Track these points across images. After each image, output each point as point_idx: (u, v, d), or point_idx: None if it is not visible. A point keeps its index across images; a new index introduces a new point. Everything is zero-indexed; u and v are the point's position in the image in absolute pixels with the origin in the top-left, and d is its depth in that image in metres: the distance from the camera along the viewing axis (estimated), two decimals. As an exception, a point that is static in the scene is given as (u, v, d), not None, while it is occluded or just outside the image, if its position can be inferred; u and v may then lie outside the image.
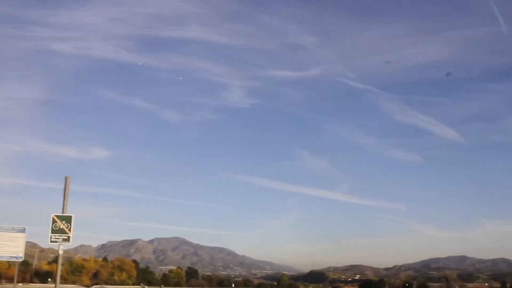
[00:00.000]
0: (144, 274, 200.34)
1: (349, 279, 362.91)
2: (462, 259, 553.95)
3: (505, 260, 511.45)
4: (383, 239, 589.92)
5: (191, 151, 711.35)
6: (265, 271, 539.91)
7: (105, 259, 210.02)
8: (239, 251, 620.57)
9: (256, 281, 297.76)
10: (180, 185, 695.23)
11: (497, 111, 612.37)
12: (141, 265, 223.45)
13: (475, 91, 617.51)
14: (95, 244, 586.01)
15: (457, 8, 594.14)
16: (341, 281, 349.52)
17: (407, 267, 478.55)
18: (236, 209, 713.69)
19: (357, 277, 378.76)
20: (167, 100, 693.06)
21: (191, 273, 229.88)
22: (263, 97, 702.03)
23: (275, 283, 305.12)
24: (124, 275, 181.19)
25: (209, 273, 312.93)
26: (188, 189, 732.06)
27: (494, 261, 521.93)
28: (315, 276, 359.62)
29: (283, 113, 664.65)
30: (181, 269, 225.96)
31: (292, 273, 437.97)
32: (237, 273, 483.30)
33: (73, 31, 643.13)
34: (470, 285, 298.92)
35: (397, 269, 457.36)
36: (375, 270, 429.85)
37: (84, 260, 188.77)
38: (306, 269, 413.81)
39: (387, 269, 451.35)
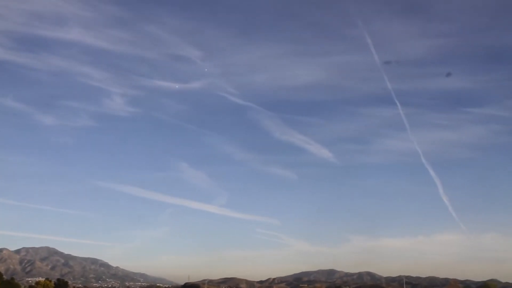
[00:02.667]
0: (8, 286, 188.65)
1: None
2: (331, 272, 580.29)
3: (369, 273, 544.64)
4: (258, 252, 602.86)
5: (65, 157, 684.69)
6: (139, 283, 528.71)
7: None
8: (112, 263, 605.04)
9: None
10: (51, 192, 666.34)
11: (367, 134, 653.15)
12: (5, 277, 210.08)
13: (348, 114, 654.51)
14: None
15: (335, 35, 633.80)
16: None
17: (280, 280, 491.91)
18: (111, 219, 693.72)
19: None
20: (43, 102, 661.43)
21: (61, 285, 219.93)
22: (144, 106, 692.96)
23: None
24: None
25: (80, 285, 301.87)
26: (60, 196, 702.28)
27: (359, 275, 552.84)
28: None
29: (164, 123, 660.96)
30: (50, 281, 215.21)
31: (166, 286, 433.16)
32: (110, 285, 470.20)
33: None
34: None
35: (271, 282, 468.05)
36: (249, 283, 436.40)
37: None
38: (181, 282, 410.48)
39: (260, 282, 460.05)
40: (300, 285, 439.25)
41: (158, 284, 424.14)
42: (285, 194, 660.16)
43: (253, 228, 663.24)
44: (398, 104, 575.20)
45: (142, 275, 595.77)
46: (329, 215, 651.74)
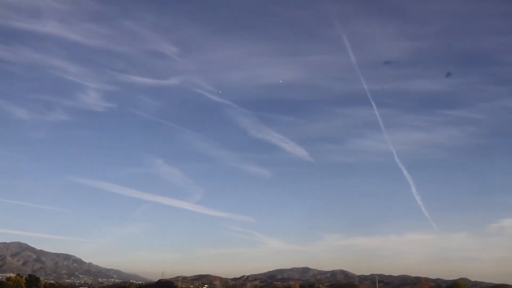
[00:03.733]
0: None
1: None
2: (305, 270, 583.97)
3: (342, 272, 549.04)
4: (232, 250, 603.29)
5: (39, 152, 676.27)
6: (112, 279, 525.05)
7: None
8: (86, 259, 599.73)
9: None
10: (24, 187, 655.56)
11: (343, 134, 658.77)
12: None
13: (324, 114, 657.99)
14: None
15: (312, 35, 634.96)
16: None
17: (254, 278, 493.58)
18: (84, 214, 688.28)
19: (205, 286, 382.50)
20: (16, 95, 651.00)
21: (32, 281, 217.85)
22: (119, 101, 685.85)
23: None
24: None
25: (52, 281, 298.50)
26: (33, 191, 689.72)
27: (333, 273, 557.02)
28: (164, 286, 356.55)
29: (139, 119, 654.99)
30: (21, 277, 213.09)
31: (140, 282, 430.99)
32: (82, 282, 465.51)
33: None
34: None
35: (245, 279, 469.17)
36: (223, 280, 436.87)
37: None
38: (154, 278, 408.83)
39: (234, 279, 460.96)
40: (274, 282, 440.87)
41: (131, 281, 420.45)
42: (260, 192, 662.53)
43: (227, 225, 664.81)
44: (373, 104, 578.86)
45: (116, 272, 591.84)
46: (304, 214, 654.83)
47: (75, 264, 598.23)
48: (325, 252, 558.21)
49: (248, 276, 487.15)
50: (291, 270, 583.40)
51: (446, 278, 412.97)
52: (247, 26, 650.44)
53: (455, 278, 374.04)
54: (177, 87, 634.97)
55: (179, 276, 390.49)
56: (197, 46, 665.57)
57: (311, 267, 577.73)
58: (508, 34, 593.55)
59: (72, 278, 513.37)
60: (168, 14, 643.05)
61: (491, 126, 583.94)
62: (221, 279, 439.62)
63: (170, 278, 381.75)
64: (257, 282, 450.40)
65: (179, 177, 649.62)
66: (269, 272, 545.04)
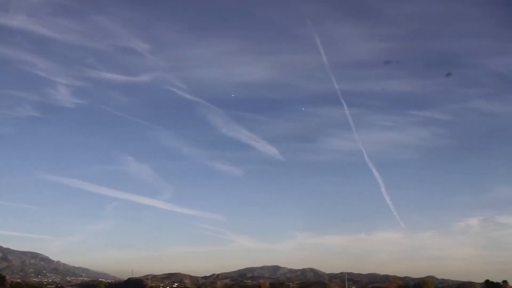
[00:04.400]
0: None
1: (167, 287, 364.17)
2: (275, 268, 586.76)
3: (312, 270, 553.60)
4: (203, 248, 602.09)
5: (5, 148, 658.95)
6: (81, 278, 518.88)
7: None
8: (53, 257, 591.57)
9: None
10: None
11: (314, 133, 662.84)
12: None
13: (295, 113, 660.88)
14: None
15: (285, 34, 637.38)
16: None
17: (224, 276, 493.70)
18: (53, 212, 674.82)
19: (175, 285, 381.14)
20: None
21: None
22: (90, 98, 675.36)
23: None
24: None
25: (18, 280, 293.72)
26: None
27: (303, 271, 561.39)
28: (133, 284, 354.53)
29: (110, 116, 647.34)
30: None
31: (109, 281, 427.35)
32: (50, 280, 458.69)
33: None
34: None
35: (215, 277, 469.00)
36: (193, 279, 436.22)
37: None
38: (124, 277, 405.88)
39: (205, 277, 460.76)
40: (244, 281, 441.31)
41: (100, 279, 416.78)
42: (230, 190, 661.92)
43: (198, 223, 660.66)
44: (344, 104, 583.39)
45: (84, 270, 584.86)
46: (274, 212, 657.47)
47: (42, 263, 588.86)
48: (295, 250, 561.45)
49: (218, 275, 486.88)
50: (261, 268, 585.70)
51: (414, 276, 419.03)
52: (219, 24, 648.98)
53: (423, 276, 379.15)
54: (149, 84, 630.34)
55: (149, 275, 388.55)
56: (169, 43, 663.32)
57: (281, 265, 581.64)
58: (476, 37, 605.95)
59: (39, 276, 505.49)
60: (140, 11, 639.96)
61: (458, 127, 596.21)
62: (191, 277, 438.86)
63: (140, 277, 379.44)
64: (227, 281, 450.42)
65: (149, 174, 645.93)
66: (239, 270, 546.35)
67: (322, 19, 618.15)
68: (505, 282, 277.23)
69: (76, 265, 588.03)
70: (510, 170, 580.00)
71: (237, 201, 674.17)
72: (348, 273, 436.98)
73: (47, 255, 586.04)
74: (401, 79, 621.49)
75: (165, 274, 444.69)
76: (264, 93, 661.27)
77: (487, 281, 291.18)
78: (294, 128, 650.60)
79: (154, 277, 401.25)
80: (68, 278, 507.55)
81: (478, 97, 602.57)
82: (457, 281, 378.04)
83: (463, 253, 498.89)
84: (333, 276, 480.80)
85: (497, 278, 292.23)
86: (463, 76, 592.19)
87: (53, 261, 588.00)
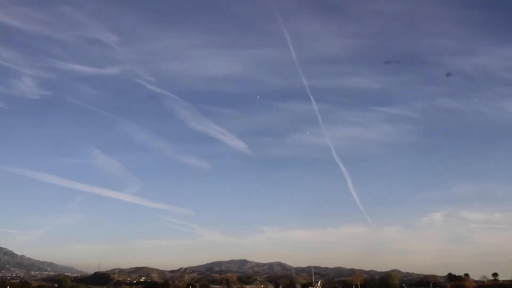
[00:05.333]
0: None
1: (134, 281, 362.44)
2: (243, 262, 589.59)
3: (280, 264, 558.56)
4: (170, 242, 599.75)
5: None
6: (46, 272, 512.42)
7: None
8: (18, 251, 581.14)
9: (35, 283, 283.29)
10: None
11: (282, 128, 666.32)
12: None
13: (263, 107, 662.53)
14: None
15: (254, 29, 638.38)
16: (127, 283, 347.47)
17: (191, 270, 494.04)
18: (16, 205, 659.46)
19: (143, 279, 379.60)
20: None
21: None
22: (56, 89, 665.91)
23: (56, 285, 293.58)
24: None
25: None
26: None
27: (270, 265, 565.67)
28: (100, 278, 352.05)
29: (77, 108, 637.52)
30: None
31: (75, 275, 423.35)
32: (14, 275, 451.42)
33: None
34: (247, 286, 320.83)
35: (182, 271, 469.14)
36: (161, 273, 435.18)
37: None
38: (90, 271, 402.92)
39: (172, 271, 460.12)
40: (212, 275, 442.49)
41: (66, 274, 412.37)
42: (198, 184, 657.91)
43: (165, 217, 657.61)
44: (312, 100, 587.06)
45: (50, 264, 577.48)
46: (242, 206, 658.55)
47: (6, 257, 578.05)
48: (262, 244, 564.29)
49: (186, 268, 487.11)
50: (229, 262, 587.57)
51: (379, 270, 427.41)
52: (189, 17, 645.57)
53: (388, 269, 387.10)
54: (117, 77, 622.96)
55: (116, 269, 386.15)
56: (138, 35, 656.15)
57: (249, 259, 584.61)
58: (441, 37, 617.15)
59: (3, 271, 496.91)
60: (108, 2, 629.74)
61: (423, 124, 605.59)
62: (158, 271, 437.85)
63: (107, 271, 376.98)
64: (195, 274, 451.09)
65: (116, 168, 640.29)
66: (207, 264, 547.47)
67: (291, 14, 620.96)
68: (466, 275, 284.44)
69: (41, 260, 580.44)
70: (473, 166, 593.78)
71: (205, 195, 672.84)
72: (315, 267, 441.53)
73: (11, 250, 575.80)
74: (368, 76, 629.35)
75: (132, 268, 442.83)
76: (233, 87, 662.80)
77: (449, 275, 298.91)
78: (263, 122, 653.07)
79: (121, 271, 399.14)
80: (32, 273, 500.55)
81: (443, 95, 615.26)
82: (421, 274, 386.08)
83: (427, 247, 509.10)
84: (300, 270, 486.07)
85: (459, 272, 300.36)
86: (429, 74, 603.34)
87: (17, 255, 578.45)
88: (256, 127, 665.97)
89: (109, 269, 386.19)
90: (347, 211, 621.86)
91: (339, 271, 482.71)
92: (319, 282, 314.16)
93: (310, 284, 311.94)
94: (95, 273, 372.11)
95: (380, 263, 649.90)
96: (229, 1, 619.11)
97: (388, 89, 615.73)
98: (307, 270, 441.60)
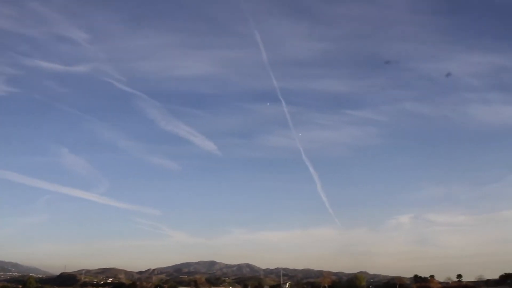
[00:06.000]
0: None
1: (102, 282, 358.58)
2: (212, 264, 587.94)
3: (248, 265, 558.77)
4: (138, 243, 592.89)
5: None
6: (10, 273, 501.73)
7: None
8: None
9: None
10: None
11: (252, 129, 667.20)
12: None
13: (234, 109, 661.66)
14: None
15: (225, 30, 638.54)
16: (93, 284, 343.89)
17: (160, 271, 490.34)
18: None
19: (110, 280, 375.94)
20: None
21: None
22: (23, 86, 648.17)
23: (20, 286, 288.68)
24: None
25: None
26: None
27: (239, 266, 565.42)
28: (66, 279, 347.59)
29: (44, 106, 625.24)
30: None
31: (40, 276, 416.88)
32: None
33: None
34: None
35: (150, 272, 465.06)
36: (128, 274, 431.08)
37: None
38: (56, 272, 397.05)
39: (140, 272, 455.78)
40: (180, 276, 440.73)
41: (31, 274, 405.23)
42: (167, 185, 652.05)
43: (133, 217, 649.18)
44: (283, 102, 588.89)
45: (14, 265, 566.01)
46: (211, 207, 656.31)
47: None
48: (231, 245, 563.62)
49: (154, 270, 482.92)
50: (198, 263, 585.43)
51: (347, 272, 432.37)
52: (160, 16, 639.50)
53: (356, 271, 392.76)
54: (86, 75, 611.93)
55: (83, 270, 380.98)
56: (108, 34, 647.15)
57: (217, 260, 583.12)
58: (410, 42, 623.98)
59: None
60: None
61: (391, 128, 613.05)
62: (126, 272, 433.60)
63: (73, 272, 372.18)
64: (163, 276, 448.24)
65: (84, 167, 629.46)
66: (175, 265, 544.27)
67: (262, 16, 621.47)
68: (432, 276, 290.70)
69: (5, 260, 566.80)
70: (439, 169, 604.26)
71: (174, 196, 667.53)
72: (284, 269, 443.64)
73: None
74: (337, 79, 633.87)
75: (99, 269, 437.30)
76: (203, 88, 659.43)
77: (415, 276, 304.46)
78: (233, 124, 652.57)
79: (88, 272, 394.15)
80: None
81: (410, 99, 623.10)
82: (388, 276, 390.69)
83: (394, 249, 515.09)
84: (268, 272, 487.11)
85: (425, 273, 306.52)
86: (397, 78, 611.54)
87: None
88: (226, 128, 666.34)
89: (76, 270, 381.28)
90: (316, 213, 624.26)
91: (307, 272, 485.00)
92: (287, 284, 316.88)
93: (278, 285, 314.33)
94: (61, 274, 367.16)
95: (348, 265, 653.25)
96: (201, 2, 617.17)
97: (357, 92, 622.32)
98: (276, 272, 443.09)
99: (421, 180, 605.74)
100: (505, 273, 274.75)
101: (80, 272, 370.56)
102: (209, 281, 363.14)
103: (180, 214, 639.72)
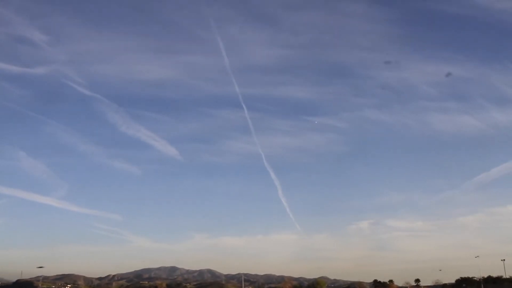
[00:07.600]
0: None
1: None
2: (173, 269, 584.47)
3: (210, 271, 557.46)
4: (97, 248, 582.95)
5: None
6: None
7: None
8: None
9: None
10: None
11: (214, 135, 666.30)
12: None
13: (196, 114, 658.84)
14: None
15: (187, 35, 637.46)
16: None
17: (120, 277, 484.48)
18: None
19: (69, 286, 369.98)
20: None
21: None
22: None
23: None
24: None
25: None
26: None
27: (200, 272, 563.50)
28: (23, 286, 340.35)
29: (1, 108, 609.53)
30: None
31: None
32: None
33: None
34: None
35: (110, 278, 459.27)
36: (88, 280, 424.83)
37: None
38: (12, 278, 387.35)
39: (100, 278, 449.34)
40: (141, 282, 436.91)
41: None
42: (128, 190, 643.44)
43: (93, 222, 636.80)
44: (245, 108, 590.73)
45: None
46: (172, 212, 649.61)
47: None
48: (193, 251, 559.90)
49: (114, 275, 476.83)
50: (159, 269, 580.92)
51: (308, 277, 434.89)
52: (122, 20, 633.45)
53: (316, 276, 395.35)
54: (45, 77, 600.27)
55: (40, 276, 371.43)
56: (68, 35, 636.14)
57: (178, 266, 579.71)
58: (370, 51, 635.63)
59: None
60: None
61: (352, 135, 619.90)
62: (85, 278, 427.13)
63: (30, 278, 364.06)
64: (123, 282, 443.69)
65: (42, 171, 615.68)
66: (135, 271, 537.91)
67: (225, 22, 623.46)
68: (391, 281, 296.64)
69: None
70: (398, 176, 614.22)
71: (135, 201, 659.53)
72: (245, 274, 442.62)
73: None
74: (299, 86, 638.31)
75: (57, 275, 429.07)
76: (166, 92, 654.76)
77: (375, 281, 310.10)
78: (195, 129, 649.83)
79: (45, 278, 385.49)
80: None
81: (371, 107, 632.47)
82: (348, 281, 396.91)
83: (354, 254, 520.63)
84: (230, 277, 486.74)
85: (384, 278, 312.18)
86: (357, 86, 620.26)
87: None
88: (188, 133, 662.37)
89: (33, 276, 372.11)
90: (277, 218, 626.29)
91: (268, 278, 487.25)
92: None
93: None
94: (17, 280, 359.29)
95: (309, 270, 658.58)
96: (163, 6, 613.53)
97: (318, 99, 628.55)
98: (237, 277, 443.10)
99: (380, 187, 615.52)
100: (461, 277, 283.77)
101: (37, 278, 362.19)
102: (170, 287, 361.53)
103: (141, 219, 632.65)
